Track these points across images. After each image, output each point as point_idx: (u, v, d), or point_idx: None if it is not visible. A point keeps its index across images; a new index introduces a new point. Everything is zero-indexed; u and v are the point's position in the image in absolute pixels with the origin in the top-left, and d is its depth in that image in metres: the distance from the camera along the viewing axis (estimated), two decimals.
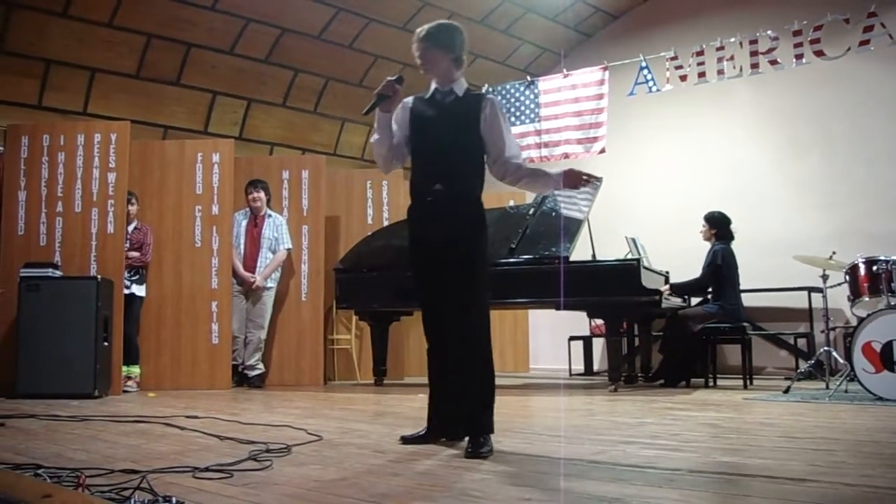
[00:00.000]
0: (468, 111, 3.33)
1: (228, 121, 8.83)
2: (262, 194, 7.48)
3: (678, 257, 7.68)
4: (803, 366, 6.60)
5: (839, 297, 6.36)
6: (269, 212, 7.61)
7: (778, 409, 4.74)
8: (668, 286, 7.05)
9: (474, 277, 3.26)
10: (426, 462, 2.94)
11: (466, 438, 3.15)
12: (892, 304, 5.25)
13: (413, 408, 5.01)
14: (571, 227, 6.67)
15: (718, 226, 7.02)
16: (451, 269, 3.24)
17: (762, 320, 8.06)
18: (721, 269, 6.77)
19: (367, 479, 2.61)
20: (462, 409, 3.23)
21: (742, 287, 6.95)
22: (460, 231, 3.26)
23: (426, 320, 3.46)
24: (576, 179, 3.32)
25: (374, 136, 3.40)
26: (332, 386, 7.66)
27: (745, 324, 6.74)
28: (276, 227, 7.56)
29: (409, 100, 3.46)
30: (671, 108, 8.86)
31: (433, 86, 3.42)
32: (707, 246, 7.07)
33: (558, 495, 2.34)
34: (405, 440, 3.32)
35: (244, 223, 7.56)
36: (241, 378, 7.38)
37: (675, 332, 6.76)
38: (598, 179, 3.80)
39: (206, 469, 2.69)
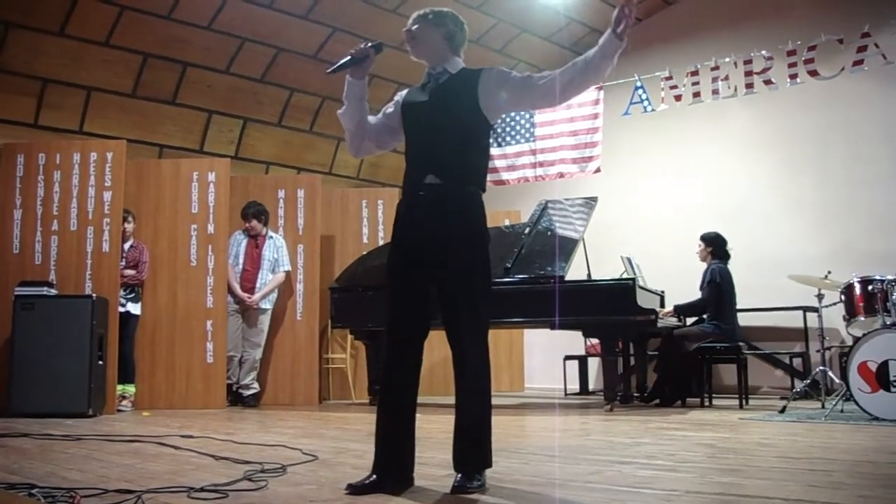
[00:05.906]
0: (463, 86, 2.89)
1: (224, 140, 8.85)
2: (254, 223, 7.47)
3: (673, 276, 7.69)
4: (799, 385, 6.60)
5: (835, 316, 6.36)
6: (271, 233, 7.63)
7: (774, 429, 4.74)
8: (671, 308, 7.07)
9: (473, 291, 2.81)
10: (422, 483, 2.92)
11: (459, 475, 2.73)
12: (888, 323, 5.24)
13: None
14: (567, 247, 6.68)
15: (714, 245, 7.06)
16: (446, 284, 2.82)
17: (758, 340, 8.06)
18: (720, 288, 6.79)
19: (362, 499, 2.59)
20: (456, 441, 2.81)
21: (738, 307, 6.97)
22: (455, 236, 2.81)
23: (393, 341, 2.87)
24: (621, 14, 2.64)
25: (341, 109, 2.98)
26: (326, 405, 7.63)
27: (740, 343, 6.74)
28: (276, 249, 7.56)
29: (403, 92, 3.06)
30: (666, 127, 8.88)
31: (425, 71, 3.01)
32: (702, 266, 7.10)
33: None
34: (353, 489, 2.68)
35: (244, 243, 7.56)
36: (236, 397, 7.35)
37: (671, 352, 6.76)
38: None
39: (202, 489, 2.68)
